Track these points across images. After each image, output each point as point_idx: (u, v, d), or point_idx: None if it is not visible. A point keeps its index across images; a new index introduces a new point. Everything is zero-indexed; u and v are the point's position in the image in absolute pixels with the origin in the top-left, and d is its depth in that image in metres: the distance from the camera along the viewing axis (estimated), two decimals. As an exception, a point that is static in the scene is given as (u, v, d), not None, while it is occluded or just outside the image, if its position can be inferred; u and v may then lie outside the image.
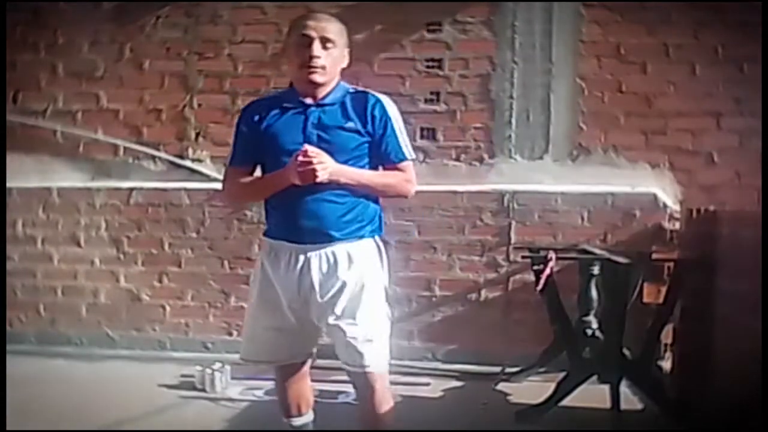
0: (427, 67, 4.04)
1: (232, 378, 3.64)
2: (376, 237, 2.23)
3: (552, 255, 3.29)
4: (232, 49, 4.16)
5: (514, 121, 4.01)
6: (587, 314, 3.47)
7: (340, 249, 2.12)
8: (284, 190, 2.10)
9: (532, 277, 3.49)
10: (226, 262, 4.16)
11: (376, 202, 2.23)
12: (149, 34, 4.21)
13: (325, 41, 2.11)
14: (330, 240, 2.11)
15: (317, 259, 2.12)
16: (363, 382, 2.15)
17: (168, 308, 4.20)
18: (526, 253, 3.52)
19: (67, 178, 4.26)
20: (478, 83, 4.01)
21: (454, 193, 3.94)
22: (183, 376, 3.69)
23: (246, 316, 2.31)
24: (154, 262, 4.21)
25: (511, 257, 3.93)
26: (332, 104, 2.17)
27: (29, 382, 3.56)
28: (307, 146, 2.04)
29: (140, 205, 4.21)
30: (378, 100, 2.19)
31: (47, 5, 4.24)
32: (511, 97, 4.00)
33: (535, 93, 4.00)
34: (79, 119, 4.28)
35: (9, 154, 4.11)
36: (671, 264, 3.39)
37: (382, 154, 2.19)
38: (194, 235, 4.18)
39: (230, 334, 4.15)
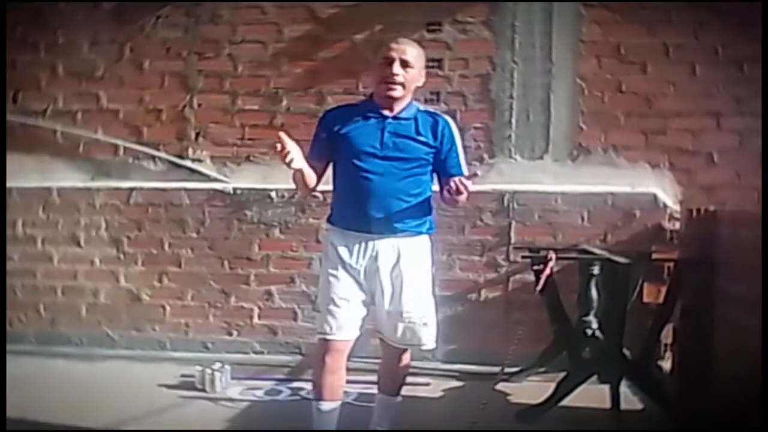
0: (427, 67, 4.03)
1: (232, 378, 3.64)
2: (430, 234, 2.59)
3: (552, 255, 3.29)
4: (232, 49, 4.16)
5: (514, 121, 4.01)
6: (587, 314, 3.47)
7: (404, 242, 2.49)
8: (358, 186, 2.46)
9: (532, 277, 3.49)
10: (226, 262, 4.16)
11: (429, 204, 2.58)
12: (149, 34, 4.21)
13: (404, 63, 2.47)
14: (395, 232, 2.47)
15: (386, 249, 2.47)
16: (401, 352, 2.59)
17: (168, 308, 4.20)
18: (526, 253, 3.52)
19: (67, 178, 4.26)
20: (478, 83, 4.02)
21: (454, 193, 3.93)
22: (183, 376, 3.70)
23: (323, 292, 2.55)
24: (154, 262, 4.21)
25: (511, 257, 3.93)
26: (407, 119, 2.52)
27: (29, 382, 3.57)
28: (281, 134, 2.33)
29: (140, 205, 4.21)
30: (447, 123, 2.57)
31: (47, 5, 4.23)
32: (511, 97, 4.00)
33: (535, 93, 4.00)
34: (79, 119, 4.27)
35: (9, 154, 4.12)
36: (671, 264, 3.39)
37: (445, 167, 2.54)
38: (194, 235, 4.17)
39: (230, 334, 4.15)
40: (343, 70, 4.06)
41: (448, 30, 4.03)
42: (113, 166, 4.26)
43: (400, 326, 2.49)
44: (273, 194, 4.09)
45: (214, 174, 4.17)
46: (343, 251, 2.49)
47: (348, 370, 3.45)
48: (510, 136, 4.01)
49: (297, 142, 4.32)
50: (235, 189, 4.14)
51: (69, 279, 4.27)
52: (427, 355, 3.88)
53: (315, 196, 4.04)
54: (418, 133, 2.50)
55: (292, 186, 4.05)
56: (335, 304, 2.48)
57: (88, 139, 4.26)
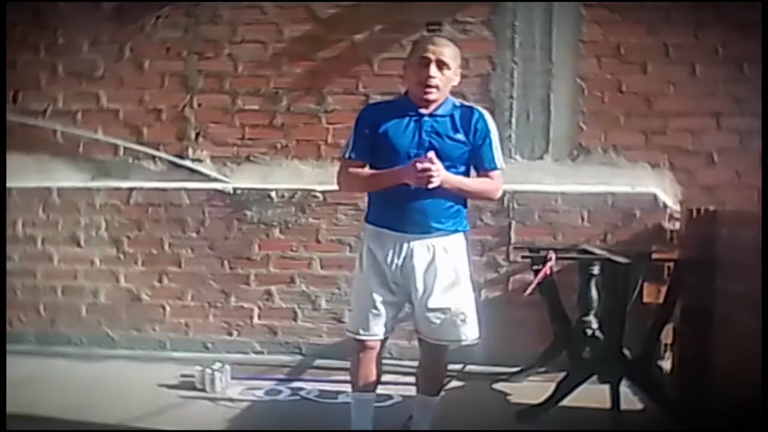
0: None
1: (232, 378, 3.64)
2: (465, 232, 2.60)
3: (552, 255, 3.29)
4: (232, 49, 4.16)
5: (514, 121, 4.01)
6: (587, 314, 3.47)
7: (438, 241, 2.49)
8: (396, 187, 2.42)
9: (532, 277, 3.48)
10: (226, 262, 4.15)
11: (465, 203, 2.58)
12: (149, 34, 4.21)
13: (441, 64, 2.43)
14: (431, 231, 2.48)
15: (420, 248, 2.48)
16: (440, 350, 2.59)
17: (168, 308, 4.20)
18: (526, 253, 3.52)
19: (67, 178, 4.26)
20: (478, 83, 4.01)
21: (454, 193, 3.93)
22: (183, 376, 3.70)
23: (355, 292, 2.61)
24: (154, 262, 4.21)
25: (511, 257, 3.93)
26: (443, 116, 2.49)
27: (29, 382, 3.57)
28: (431, 154, 2.34)
29: (140, 205, 4.20)
30: (482, 115, 2.53)
31: (47, 5, 4.23)
32: (511, 97, 4.00)
33: (535, 93, 4.00)
34: (79, 119, 4.27)
35: (9, 154, 4.12)
36: (671, 264, 3.39)
37: (478, 162, 2.54)
38: (194, 235, 4.17)
39: (230, 334, 4.15)
40: (343, 70, 4.06)
41: (448, 30, 4.02)
42: (113, 166, 4.26)
43: (438, 323, 2.50)
44: (273, 194, 4.09)
45: (214, 174, 4.17)
46: (378, 252, 2.51)
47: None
48: (510, 136, 4.00)
49: (297, 142, 4.34)
50: (235, 189, 4.14)
51: (69, 279, 4.27)
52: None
53: (315, 196, 4.05)
54: (456, 130, 2.48)
55: (292, 186, 4.10)
56: (366, 306, 2.51)
57: (88, 139, 4.26)
